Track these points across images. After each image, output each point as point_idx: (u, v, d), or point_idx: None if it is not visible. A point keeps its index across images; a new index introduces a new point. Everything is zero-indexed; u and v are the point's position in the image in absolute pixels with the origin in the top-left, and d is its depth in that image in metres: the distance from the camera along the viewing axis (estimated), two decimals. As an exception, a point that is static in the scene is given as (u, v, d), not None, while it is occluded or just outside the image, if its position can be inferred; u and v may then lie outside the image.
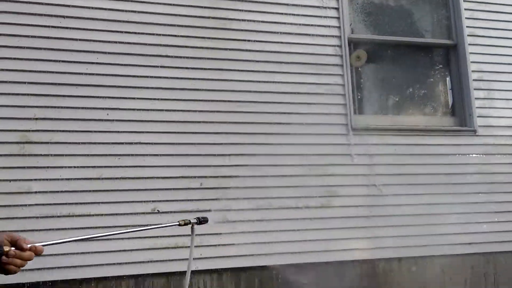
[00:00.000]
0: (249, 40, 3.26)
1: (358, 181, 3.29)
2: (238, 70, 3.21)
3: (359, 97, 3.63)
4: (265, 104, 3.22)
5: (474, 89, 3.67)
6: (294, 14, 3.41)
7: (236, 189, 3.04)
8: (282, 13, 3.38)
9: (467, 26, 3.76)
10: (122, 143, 2.88)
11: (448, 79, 3.84)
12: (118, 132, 2.89)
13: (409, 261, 3.28)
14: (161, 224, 1.33)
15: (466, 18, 3.78)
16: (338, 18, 3.51)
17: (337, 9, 3.52)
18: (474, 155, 3.56)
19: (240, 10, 3.28)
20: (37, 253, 1.06)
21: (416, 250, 3.27)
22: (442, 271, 3.32)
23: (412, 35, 3.82)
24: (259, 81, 3.23)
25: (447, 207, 3.38)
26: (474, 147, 3.57)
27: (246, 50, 3.25)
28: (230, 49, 3.21)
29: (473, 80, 3.69)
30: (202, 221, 1.44)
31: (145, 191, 2.88)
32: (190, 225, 1.41)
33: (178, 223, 1.37)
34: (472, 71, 3.70)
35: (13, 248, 1.02)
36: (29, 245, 1.05)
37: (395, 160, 3.39)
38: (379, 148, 3.38)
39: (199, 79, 3.11)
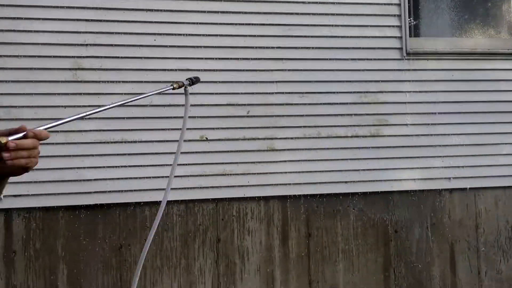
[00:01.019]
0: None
1: (411, 109, 3.14)
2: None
3: (416, 18, 3.36)
4: (315, 27, 3.05)
5: (547, 6, 3.31)
6: None
7: (283, 117, 2.99)
8: None
9: None
10: (170, 70, 2.85)
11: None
12: (167, 58, 2.86)
13: (461, 192, 3.19)
14: (154, 90, 1.25)
15: None
16: None
17: None
18: (540, 81, 3.29)
19: None
20: (41, 138, 0.90)
21: (469, 182, 3.16)
22: (495, 203, 3.22)
23: None
24: (308, 2, 3.05)
25: (506, 136, 3.20)
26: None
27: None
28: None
29: (545, -4, 3.31)
30: (194, 81, 1.37)
31: (194, 119, 2.88)
32: (184, 87, 1.32)
33: (172, 87, 1.27)
34: (546, -14, 3.32)
35: (11, 138, 0.86)
36: (25, 132, 0.88)
37: (453, 86, 3.19)
38: (435, 74, 3.18)
39: (247, 0, 2.98)
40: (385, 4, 3.15)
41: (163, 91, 1.26)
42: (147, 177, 2.79)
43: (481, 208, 3.19)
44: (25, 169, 0.89)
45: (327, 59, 3.06)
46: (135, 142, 2.80)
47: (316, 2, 3.06)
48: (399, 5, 3.15)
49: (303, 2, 3.05)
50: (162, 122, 2.82)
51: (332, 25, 3.09)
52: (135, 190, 2.79)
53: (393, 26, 3.16)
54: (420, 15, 3.41)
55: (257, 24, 2.99)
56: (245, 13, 2.97)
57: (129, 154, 2.79)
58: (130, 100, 1.18)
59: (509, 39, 3.43)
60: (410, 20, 3.29)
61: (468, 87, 3.22)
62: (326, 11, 3.07)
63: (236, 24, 2.96)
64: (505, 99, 3.24)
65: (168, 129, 2.81)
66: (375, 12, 3.13)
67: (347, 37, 3.09)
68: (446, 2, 3.42)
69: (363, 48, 3.12)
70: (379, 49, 3.15)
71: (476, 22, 3.49)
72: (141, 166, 2.80)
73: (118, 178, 2.76)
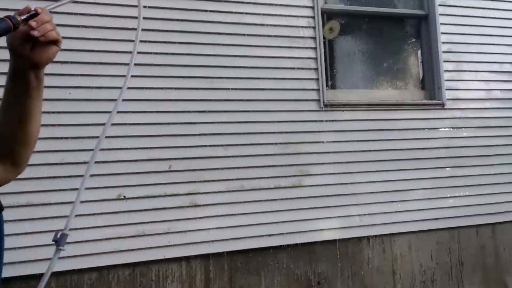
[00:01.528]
0: (222, 12, 3.06)
1: (330, 158, 3.25)
2: (210, 44, 3.01)
3: (331, 71, 3.52)
4: (238, 80, 3.07)
5: (444, 61, 3.65)
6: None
7: (206, 171, 2.93)
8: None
9: (439, -5, 3.68)
10: (86, 125, 2.66)
11: (419, 51, 3.79)
12: (82, 112, 2.67)
13: (377, 239, 3.34)
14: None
15: (438, -14, 3.69)
16: (310, -14, 3.33)
17: (309, -24, 3.33)
18: (441, 129, 3.59)
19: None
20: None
21: (384, 228, 3.32)
22: (409, 248, 3.42)
23: (385, 6, 3.70)
24: (232, 56, 3.06)
25: (414, 182, 3.43)
26: (442, 121, 3.59)
27: (219, 22, 3.04)
28: (201, 21, 3.00)
29: (443, 52, 3.65)
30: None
31: (110, 176, 2.71)
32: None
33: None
34: (442, 42, 3.65)
35: (23, 17, 0.83)
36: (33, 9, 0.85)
37: (366, 136, 3.36)
38: (350, 124, 3.33)
39: (168, 53, 2.90)
40: (304, 58, 3.25)
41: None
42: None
43: (396, 253, 3.37)
44: (56, 43, 0.87)
45: (250, 111, 3.07)
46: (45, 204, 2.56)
47: (241, 56, 3.08)
48: (316, 59, 3.27)
49: (227, 55, 3.04)
50: (75, 180, 2.62)
51: (256, 78, 3.12)
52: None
53: (311, 79, 3.27)
54: (336, 68, 3.57)
55: (180, 77, 2.93)
56: (168, 65, 2.90)
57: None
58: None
59: (414, 91, 3.73)
60: (327, 72, 3.43)
61: (380, 136, 3.41)
62: (250, 64, 3.10)
63: (158, 76, 2.86)
64: (411, 147, 3.48)
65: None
66: (295, 65, 3.22)
67: (269, 89, 3.14)
68: (359, 56, 3.63)
69: (284, 100, 3.19)
70: (299, 101, 3.24)
71: (386, 75, 3.74)
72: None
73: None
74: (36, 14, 0.84)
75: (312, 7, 3.31)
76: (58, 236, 0.90)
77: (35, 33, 0.82)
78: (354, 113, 3.37)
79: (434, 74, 3.66)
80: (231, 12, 3.09)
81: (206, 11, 3.03)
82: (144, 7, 2.59)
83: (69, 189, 2.54)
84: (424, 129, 3.54)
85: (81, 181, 0.96)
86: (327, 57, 3.43)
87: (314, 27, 3.30)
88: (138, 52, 1.05)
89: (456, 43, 3.72)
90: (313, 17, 3.31)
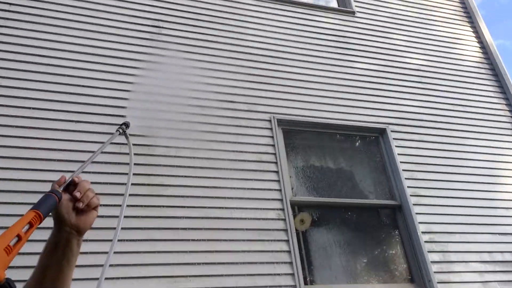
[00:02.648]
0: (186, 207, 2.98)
1: None
2: (174, 240, 2.83)
3: (308, 265, 3.25)
4: (209, 277, 2.77)
5: (428, 251, 3.43)
6: (233, 178, 3.23)
7: None
8: (222, 178, 3.20)
9: (408, 186, 3.71)
10: None
11: (400, 242, 3.60)
12: None
13: None
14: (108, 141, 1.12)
15: (405, 178, 3.75)
16: (278, 181, 3.36)
17: (276, 172, 3.39)
18: (442, 328, 3.12)
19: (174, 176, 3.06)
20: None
21: None
22: None
23: (356, 197, 3.70)
24: (202, 251, 2.84)
25: None
26: (440, 319, 3.15)
27: (182, 218, 2.93)
28: (163, 217, 2.90)
29: (425, 242, 3.47)
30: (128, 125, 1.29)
31: None
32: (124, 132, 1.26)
33: (117, 132, 1.22)
34: (422, 232, 3.51)
35: (62, 188, 0.88)
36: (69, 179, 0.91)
37: None
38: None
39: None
40: (276, 251, 3.03)
41: (114, 138, 1.19)
42: None
43: None
44: (96, 208, 0.93)
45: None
46: None
47: (207, 251, 2.85)
48: (289, 252, 3.05)
49: (192, 252, 2.82)
50: None
51: (226, 275, 2.83)
52: None
53: (286, 274, 2.98)
54: (313, 262, 3.31)
55: (143, 277, 2.63)
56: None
57: None
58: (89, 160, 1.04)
59: (403, 284, 3.38)
60: (304, 266, 3.16)
61: None
62: (217, 260, 2.85)
63: None
64: None
65: None
66: (268, 259, 2.98)
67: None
68: (337, 248, 3.42)
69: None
70: (274, 300, 2.87)
71: (370, 268, 3.45)
72: None
73: None
74: (72, 182, 0.91)
75: (281, 200, 3.27)
76: None
77: (80, 204, 0.89)
78: (337, 314, 2.95)
79: (421, 266, 3.39)
80: (195, 207, 3.01)
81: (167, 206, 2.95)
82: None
83: None
84: (422, 329, 3.07)
85: None
86: (303, 249, 3.22)
87: (284, 219, 3.19)
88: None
89: (438, 233, 3.58)
90: (283, 209, 3.23)
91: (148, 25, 3.69)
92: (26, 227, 0.75)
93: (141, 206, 2.90)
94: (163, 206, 2.95)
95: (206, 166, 3.21)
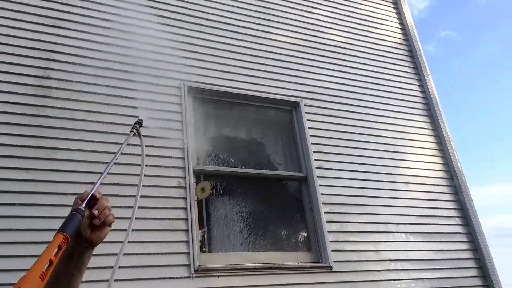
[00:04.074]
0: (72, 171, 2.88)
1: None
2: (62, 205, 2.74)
3: (208, 232, 3.28)
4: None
5: (327, 221, 3.57)
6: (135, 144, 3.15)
7: None
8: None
9: (315, 159, 3.81)
10: None
11: (303, 213, 3.72)
12: None
13: None
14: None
15: (313, 151, 3.85)
16: (182, 149, 3.33)
17: (181, 140, 3.36)
18: (331, 294, 3.29)
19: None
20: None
21: None
22: None
23: (264, 168, 3.75)
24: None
25: None
26: (330, 285, 3.32)
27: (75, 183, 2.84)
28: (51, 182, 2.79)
29: (325, 212, 3.60)
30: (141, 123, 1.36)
31: None
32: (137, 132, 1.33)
33: (132, 133, 1.28)
34: (323, 203, 3.64)
35: (85, 204, 0.94)
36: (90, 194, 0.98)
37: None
38: (226, 292, 2.96)
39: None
40: (172, 218, 3.03)
41: (129, 139, 1.25)
42: None
43: None
44: (110, 225, 1.01)
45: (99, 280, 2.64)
46: None
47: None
48: (186, 220, 3.06)
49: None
50: None
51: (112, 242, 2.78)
52: None
53: (180, 241, 2.99)
54: (212, 230, 3.35)
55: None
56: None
57: None
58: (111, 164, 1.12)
59: (300, 253, 3.51)
60: (204, 235, 3.19)
61: (263, 305, 3.02)
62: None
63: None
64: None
65: None
66: (163, 227, 2.97)
67: (138, 254, 2.80)
68: (238, 217, 3.47)
69: (148, 266, 2.82)
70: (165, 267, 2.88)
71: (269, 237, 3.55)
72: None
73: None
74: (93, 196, 0.97)
75: (183, 168, 3.25)
76: None
77: (97, 221, 0.96)
78: (230, 279, 3.02)
79: (319, 236, 3.52)
80: (89, 172, 2.92)
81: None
82: None
83: None
84: (312, 295, 3.22)
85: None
86: (205, 218, 3.24)
87: (184, 187, 3.18)
88: None
89: (338, 204, 3.72)
90: (184, 178, 3.21)
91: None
92: (55, 250, 0.80)
93: (28, 169, 2.78)
94: (52, 170, 2.84)
95: (104, 130, 3.11)
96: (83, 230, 0.96)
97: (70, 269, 0.96)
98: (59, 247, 0.81)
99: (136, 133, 1.29)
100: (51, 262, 0.78)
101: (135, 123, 1.32)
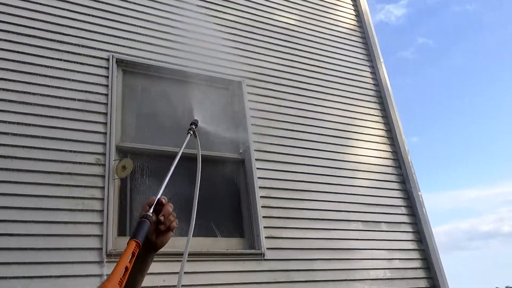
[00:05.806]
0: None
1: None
2: None
3: (130, 214, 3.01)
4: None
5: (262, 206, 3.36)
6: (52, 117, 2.86)
7: None
8: (39, 115, 2.81)
9: (254, 141, 3.60)
10: None
11: (238, 197, 3.49)
12: None
13: None
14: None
15: (253, 133, 3.63)
16: (105, 123, 3.05)
17: (105, 114, 3.08)
18: (262, 284, 3.07)
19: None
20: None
21: None
22: None
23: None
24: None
25: None
26: (262, 274, 3.10)
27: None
28: None
29: (261, 197, 3.39)
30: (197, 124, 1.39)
31: None
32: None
33: (189, 135, 1.35)
34: (260, 187, 3.42)
35: (152, 209, 1.01)
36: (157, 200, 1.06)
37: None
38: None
39: None
40: (85, 197, 2.75)
41: (188, 141, 1.41)
42: None
43: None
44: (173, 230, 1.07)
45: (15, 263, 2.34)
46: None
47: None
48: (102, 199, 2.79)
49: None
50: None
51: (27, 221, 2.49)
52: None
53: (93, 223, 2.71)
54: (135, 211, 3.07)
55: None
56: None
57: None
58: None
59: (231, 239, 3.28)
60: (124, 215, 2.92)
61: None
62: (12, 204, 2.50)
63: None
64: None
65: None
66: (73, 206, 2.68)
67: (39, 235, 2.51)
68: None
69: (55, 248, 2.54)
70: (77, 250, 2.60)
71: (198, 221, 3.29)
72: None
73: None
74: (159, 202, 1.06)
75: (104, 144, 2.97)
76: None
77: (162, 227, 1.05)
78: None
79: (253, 221, 3.31)
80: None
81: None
82: None
83: None
84: (240, 283, 2.99)
85: None
86: (125, 199, 2.97)
87: (104, 165, 2.90)
88: None
89: (276, 189, 3.52)
90: (104, 154, 2.94)
91: None
92: (130, 257, 0.87)
93: None
94: None
95: (18, 100, 2.80)
96: (150, 235, 1.01)
97: (133, 271, 0.94)
98: (133, 254, 0.88)
99: (192, 134, 1.26)
100: (126, 268, 0.85)
101: (191, 124, 1.29)
